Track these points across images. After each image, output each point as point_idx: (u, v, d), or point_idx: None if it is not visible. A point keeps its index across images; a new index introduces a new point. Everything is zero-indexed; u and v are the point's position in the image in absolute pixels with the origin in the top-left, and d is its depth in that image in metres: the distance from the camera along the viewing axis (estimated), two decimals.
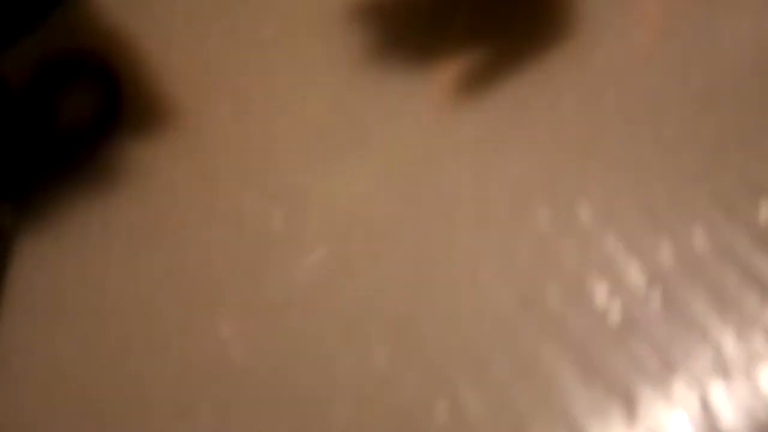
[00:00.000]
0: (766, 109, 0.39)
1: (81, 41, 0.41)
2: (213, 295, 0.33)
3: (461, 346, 0.32)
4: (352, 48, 0.41)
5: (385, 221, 0.35)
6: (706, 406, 0.31)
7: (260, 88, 0.40)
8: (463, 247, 0.35)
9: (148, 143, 0.38)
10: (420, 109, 0.39)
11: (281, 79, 0.40)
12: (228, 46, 0.41)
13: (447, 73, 0.40)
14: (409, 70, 0.40)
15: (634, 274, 0.34)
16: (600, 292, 0.33)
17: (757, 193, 0.36)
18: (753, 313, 0.33)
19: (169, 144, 0.38)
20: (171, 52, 0.41)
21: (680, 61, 0.41)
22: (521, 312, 0.33)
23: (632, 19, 0.43)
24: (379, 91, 0.40)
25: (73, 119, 0.39)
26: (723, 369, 0.32)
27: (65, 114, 0.39)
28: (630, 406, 0.31)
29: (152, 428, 0.30)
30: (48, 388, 0.31)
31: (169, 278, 0.34)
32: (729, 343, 0.32)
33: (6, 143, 0.37)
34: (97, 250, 0.35)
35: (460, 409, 0.31)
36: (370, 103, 0.39)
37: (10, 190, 0.35)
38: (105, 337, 0.32)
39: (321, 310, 0.33)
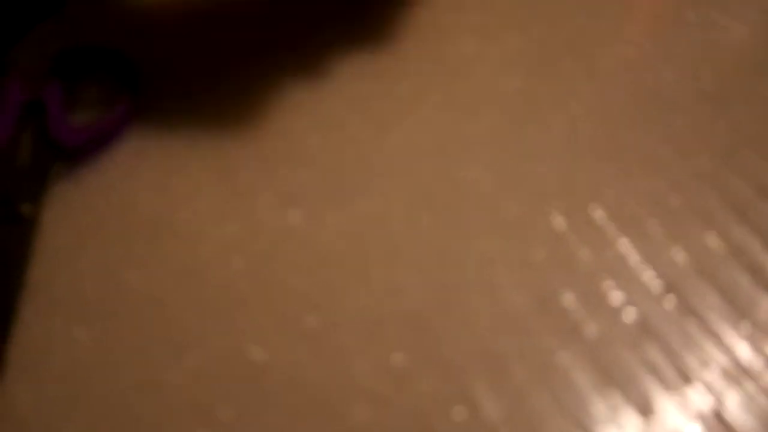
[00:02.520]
0: None
1: (93, 33, 0.41)
2: (231, 296, 0.33)
3: (478, 349, 0.32)
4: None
5: (401, 221, 0.35)
6: (720, 413, 0.31)
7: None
8: (479, 248, 0.35)
9: (164, 133, 0.38)
10: (434, 106, 0.39)
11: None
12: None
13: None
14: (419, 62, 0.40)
15: (649, 278, 0.34)
16: (615, 297, 0.34)
17: None
18: (766, 317, 0.33)
19: (186, 134, 0.38)
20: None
21: (689, 60, 0.41)
22: (537, 315, 0.33)
23: (638, 19, 0.44)
24: (391, 85, 0.40)
25: (94, 107, 0.38)
26: (737, 374, 0.32)
27: (85, 101, 0.39)
28: (645, 411, 0.31)
29: (170, 428, 0.30)
30: (65, 384, 0.31)
31: (187, 277, 0.34)
32: (742, 349, 0.33)
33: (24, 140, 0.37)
34: (117, 247, 0.35)
35: (477, 411, 0.31)
36: (385, 98, 0.39)
37: (31, 188, 0.35)
38: (123, 336, 0.32)
39: (339, 312, 0.33)
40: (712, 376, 0.32)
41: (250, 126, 0.38)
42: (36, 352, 0.32)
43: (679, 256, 0.35)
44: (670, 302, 0.34)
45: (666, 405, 0.31)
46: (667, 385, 0.32)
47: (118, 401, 0.31)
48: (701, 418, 0.31)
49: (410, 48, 0.41)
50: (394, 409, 0.31)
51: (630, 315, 0.33)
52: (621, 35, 0.42)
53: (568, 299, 0.33)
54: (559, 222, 0.36)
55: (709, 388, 0.32)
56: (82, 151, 0.37)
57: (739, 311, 0.33)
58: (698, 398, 0.31)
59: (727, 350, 0.32)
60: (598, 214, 0.36)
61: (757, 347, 0.33)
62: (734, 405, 0.31)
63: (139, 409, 0.31)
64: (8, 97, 0.37)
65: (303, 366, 0.32)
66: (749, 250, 0.35)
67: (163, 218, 0.36)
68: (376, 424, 0.30)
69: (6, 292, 0.33)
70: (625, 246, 0.35)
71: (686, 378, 0.32)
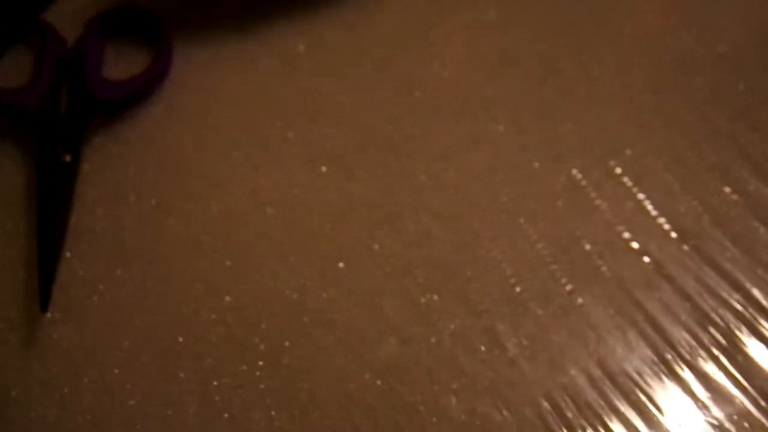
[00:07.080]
0: None
1: None
2: (266, 241, 0.35)
3: (501, 292, 0.33)
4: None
5: (427, 175, 0.37)
6: (736, 351, 0.32)
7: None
8: (502, 200, 0.36)
9: (197, 90, 0.39)
10: (457, 67, 0.40)
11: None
12: None
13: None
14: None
15: (665, 227, 0.35)
16: (632, 244, 0.35)
17: None
18: None
19: (219, 91, 0.39)
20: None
21: (709, 26, 0.42)
22: (558, 260, 0.34)
23: None
24: (415, 47, 0.41)
25: (129, 65, 0.40)
26: (751, 315, 0.33)
27: (121, 59, 0.40)
28: (661, 351, 0.32)
29: (208, 361, 0.32)
30: (108, 320, 0.33)
31: (224, 223, 0.35)
32: (756, 292, 0.34)
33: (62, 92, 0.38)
34: (155, 196, 0.36)
35: (499, 346, 0.32)
36: (410, 59, 0.40)
37: (71, 138, 0.37)
38: (162, 277, 0.34)
39: (368, 257, 0.34)
40: (728, 316, 0.33)
41: (282, 84, 0.40)
42: (79, 291, 0.34)
43: (695, 207, 0.36)
44: (685, 249, 0.35)
45: (682, 344, 0.32)
46: (683, 325, 0.33)
47: (158, 334, 0.32)
48: (717, 356, 0.32)
49: (431, 11, 0.42)
50: (421, 345, 0.32)
51: (646, 260, 0.34)
52: (644, 3, 0.43)
53: (587, 246, 0.35)
54: (578, 176, 0.37)
55: (725, 327, 0.33)
56: (119, 105, 0.38)
57: (755, 258, 0.34)
58: (713, 338, 0.33)
59: (742, 292, 0.34)
60: (617, 169, 0.37)
61: None
62: (750, 344, 0.32)
63: (178, 342, 0.32)
64: (47, 53, 0.39)
65: (335, 305, 0.33)
66: (765, 203, 0.36)
67: (197, 170, 0.37)
68: (404, 357, 0.32)
69: (51, 235, 0.34)
70: (642, 198, 0.36)
71: (702, 318, 0.33)
